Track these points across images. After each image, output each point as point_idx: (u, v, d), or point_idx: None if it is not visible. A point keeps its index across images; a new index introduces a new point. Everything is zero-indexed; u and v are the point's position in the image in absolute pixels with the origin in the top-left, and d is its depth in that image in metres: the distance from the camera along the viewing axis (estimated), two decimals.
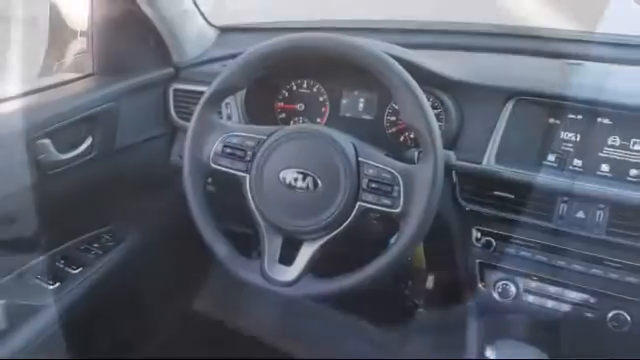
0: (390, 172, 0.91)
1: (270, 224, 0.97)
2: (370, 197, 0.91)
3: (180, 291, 1.71)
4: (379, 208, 0.91)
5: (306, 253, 0.95)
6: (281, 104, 1.31)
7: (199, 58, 1.39)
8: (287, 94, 1.30)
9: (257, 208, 0.98)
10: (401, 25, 1.41)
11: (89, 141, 1.22)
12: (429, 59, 1.14)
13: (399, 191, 0.90)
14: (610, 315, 1.03)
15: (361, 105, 1.24)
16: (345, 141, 0.95)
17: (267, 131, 0.99)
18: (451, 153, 1.00)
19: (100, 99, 1.23)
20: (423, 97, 0.91)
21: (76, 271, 1.29)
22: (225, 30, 1.50)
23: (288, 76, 1.29)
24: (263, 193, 0.97)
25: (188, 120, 1.07)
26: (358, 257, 0.94)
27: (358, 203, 0.92)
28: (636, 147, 1.01)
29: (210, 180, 1.10)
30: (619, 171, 1.02)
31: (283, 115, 1.31)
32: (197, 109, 1.01)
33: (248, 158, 0.98)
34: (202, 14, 1.43)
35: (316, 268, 0.95)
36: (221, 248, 1.00)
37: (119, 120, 1.27)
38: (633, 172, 1.01)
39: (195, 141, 1.01)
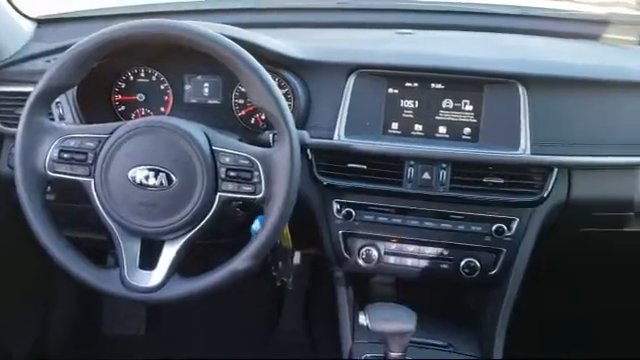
0: (247, 158, 0.89)
1: (124, 229, 0.91)
2: (230, 186, 0.89)
3: (28, 319, 1.56)
4: (241, 196, 0.90)
5: (169, 254, 0.91)
6: (119, 96, 1.22)
7: (17, 55, 1.25)
8: (124, 85, 1.22)
9: (107, 213, 0.91)
10: (236, 4, 1.39)
11: None
12: (269, 38, 1.13)
13: (259, 176, 0.89)
14: (462, 264, 1.12)
15: (206, 90, 1.20)
16: (196, 130, 0.91)
17: (108, 129, 0.92)
18: (304, 132, 1.02)
19: None
20: (269, 78, 0.90)
21: None
22: (43, 22, 1.36)
23: (123, 66, 1.20)
24: (112, 196, 0.90)
25: (15, 126, 0.95)
26: (226, 248, 0.92)
27: (218, 194, 0.89)
28: (467, 107, 1.10)
29: (48, 189, 1.00)
30: (455, 131, 1.10)
31: (122, 108, 1.22)
32: (24, 113, 0.91)
33: (90, 161, 0.91)
34: (13, 5, 1.27)
35: (182, 267, 0.91)
36: (72, 262, 0.92)
37: None
38: (467, 130, 1.10)
39: (26, 149, 0.91)
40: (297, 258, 1.33)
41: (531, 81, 1.08)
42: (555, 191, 1.10)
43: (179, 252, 0.91)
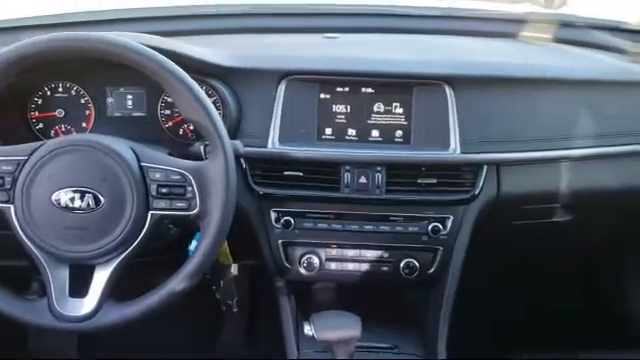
0: (179, 173, 0.86)
1: (51, 256, 0.85)
2: (162, 203, 0.86)
3: None
4: (174, 213, 0.86)
5: (101, 279, 0.86)
6: (35, 113, 1.15)
7: None
8: (41, 101, 1.14)
9: (31, 240, 0.85)
10: (159, 12, 1.34)
11: None
12: (193, 46, 1.10)
13: (193, 191, 0.86)
14: (402, 264, 1.13)
15: (130, 102, 1.15)
16: (122, 147, 0.87)
17: (26, 150, 0.86)
18: (238, 142, 0.99)
19: None
20: (198, 89, 0.88)
21: None
22: None
23: (39, 81, 1.13)
24: (35, 223, 0.84)
25: None
26: (164, 265, 0.88)
27: (150, 212, 0.86)
28: (398, 110, 1.11)
29: None
30: (387, 134, 1.11)
31: (40, 125, 1.15)
32: None
33: (8, 185, 0.85)
34: None
35: (118, 290, 0.87)
36: None
37: None
38: (399, 133, 1.11)
39: None
40: (234, 269, 1.30)
41: (457, 82, 1.11)
42: (486, 188, 1.13)
43: (112, 276, 0.86)
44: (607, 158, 1.20)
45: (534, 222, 1.27)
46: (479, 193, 1.12)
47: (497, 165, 1.14)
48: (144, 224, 0.86)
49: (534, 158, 1.15)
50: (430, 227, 1.13)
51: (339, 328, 0.96)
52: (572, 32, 1.48)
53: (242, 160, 1.09)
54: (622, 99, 1.22)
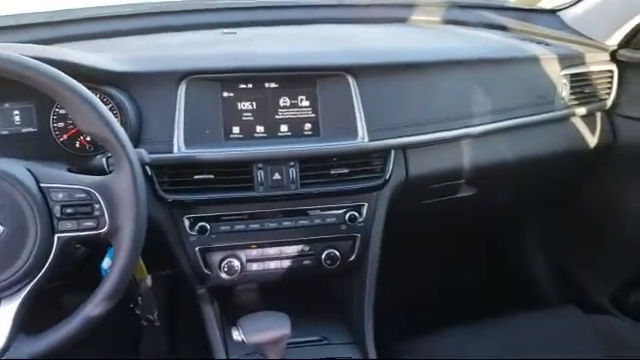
0: (84, 190, 0.80)
1: None
2: (69, 225, 0.80)
3: None
4: (83, 234, 0.80)
5: (8, 313, 0.79)
6: None
7: None
8: None
9: None
10: (39, 18, 1.23)
11: None
12: (82, 53, 1.03)
13: (101, 209, 0.80)
14: (324, 256, 1.14)
15: (17, 118, 1.05)
16: (17, 168, 0.80)
17: None
18: (142, 151, 0.94)
19: None
20: (93, 98, 0.82)
21: None
22: None
23: None
24: None
25: None
26: (75, 290, 0.82)
27: (56, 236, 0.79)
28: (304, 103, 1.11)
29: None
30: (296, 128, 1.10)
31: None
32: None
33: None
34: None
35: (27, 324, 0.80)
36: None
37: None
38: (307, 126, 1.11)
39: None
40: (149, 281, 1.24)
41: (358, 71, 1.12)
42: (395, 172, 1.16)
43: (20, 309, 0.79)
44: (503, 132, 1.28)
45: (442, 200, 1.32)
46: (389, 178, 1.15)
47: (404, 149, 1.18)
48: (50, 249, 0.79)
49: (437, 139, 1.20)
50: (347, 216, 1.14)
51: (268, 329, 0.95)
52: (461, 13, 1.55)
53: (148, 168, 1.04)
54: (511, 75, 1.29)
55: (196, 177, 1.06)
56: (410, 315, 1.23)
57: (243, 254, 1.12)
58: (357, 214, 1.15)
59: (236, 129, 1.09)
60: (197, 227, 1.08)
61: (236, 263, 1.10)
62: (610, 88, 1.41)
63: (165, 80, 1.06)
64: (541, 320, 1.25)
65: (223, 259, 1.10)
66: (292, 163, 1.09)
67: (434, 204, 1.32)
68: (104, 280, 0.82)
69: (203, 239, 1.09)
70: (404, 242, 1.39)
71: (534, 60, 1.31)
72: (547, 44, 1.39)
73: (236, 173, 1.07)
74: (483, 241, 1.86)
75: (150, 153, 0.99)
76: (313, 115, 1.11)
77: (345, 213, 1.14)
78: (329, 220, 1.14)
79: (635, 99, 1.39)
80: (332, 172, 1.11)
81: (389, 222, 1.19)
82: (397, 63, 1.18)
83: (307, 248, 1.14)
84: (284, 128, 1.10)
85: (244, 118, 1.09)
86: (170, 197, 1.06)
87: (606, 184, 1.51)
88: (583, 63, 1.36)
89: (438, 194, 1.30)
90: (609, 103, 1.42)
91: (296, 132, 1.10)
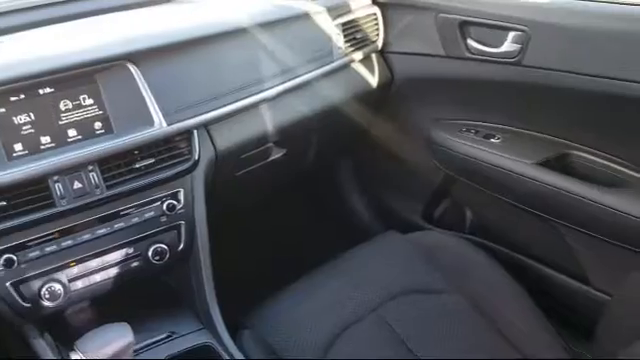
0: None
1: None
2: None
3: None
4: None
5: None
6: None
7: None
8: None
9: None
10: None
11: None
12: None
13: None
14: (150, 253, 1.11)
15: None
16: None
17: None
18: None
19: None
20: None
21: None
22: None
23: None
24: None
25: None
26: None
27: None
28: (88, 102, 1.04)
29: None
30: (86, 130, 1.03)
31: None
32: None
33: None
34: None
35: None
36: None
37: None
38: (98, 125, 1.04)
39: None
40: None
41: (138, 57, 1.08)
42: (203, 151, 1.16)
43: None
44: (295, 90, 1.33)
45: (256, 167, 1.35)
46: (199, 158, 1.14)
47: (206, 126, 1.17)
48: None
49: (236, 109, 1.21)
50: (165, 206, 1.11)
51: (109, 343, 0.91)
52: None
53: None
54: (289, 34, 1.34)
55: None
56: (253, 285, 1.25)
57: (63, 275, 1.04)
58: (175, 202, 1.12)
59: (18, 146, 0.98)
60: (1, 261, 0.97)
61: (57, 287, 1.02)
62: (378, 30, 1.54)
63: None
64: (369, 250, 1.35)
65: (42, 286, 1.01)
66: (90, 167, 1.02)
67: (249, 173, 1.34)
68: None
69: (12, 272, 0.99)
70: (229, 217, 1.41)
71: (306, 16, 1.38)
72: None
73: (31, 193, 0.98)
74: (305, 195, 1.95)
75: None
76: (101, 112, 1.04)
77: (162, 204, 1.11)
78: (147, 215, 1.10)
79: (400, 36, 1.53)
80: (137, 166, 1.07)
81: (210, 202, 1.18)
82: (177, 42, 1.15)
83: (131, 250, 1.10)
84: (72, 133, 1.02)
85: (25, 132, 0.99)
86: None
87: (394, 115, 1.67)
88: (350, 11, 1.46)
89: (251, 162, 1.33)
90: (380, 44, 1.55)
91: (87, 134, 1.03)
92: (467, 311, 1.17)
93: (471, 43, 1.36)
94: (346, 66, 1.47)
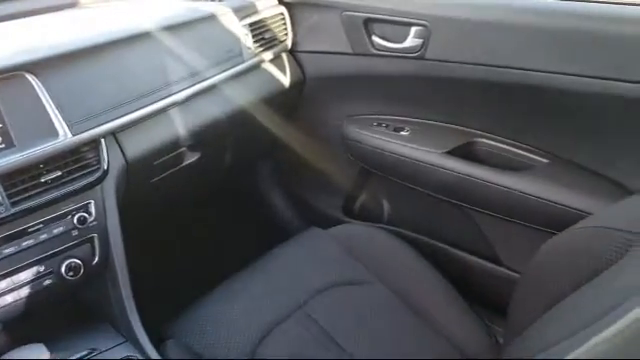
0: None
1: None
2: None
3: None
4: None
5: None
6: None
7: None
8: None
9: None
10: None
11: None
12: None
13: None
14: (63, 270, 1.06)
15: None
16: None
17: None
18: None
19: None
20: None
21: None
22: None
23: None
24: None
25: None
26: None
27: None
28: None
29: None
30: None
31: None
32: None
33: None
34: None
35: None
36: None
37: None
38: None
39: None
40: None
41: (36, 67, 1.03)
42: (112, 160, 1.12)
43: None
44: (205, 93, 1.32)
45: (171, 172, 1.33)
46: (108, 167, 1.11)
47: (114, 134, 1.14)
48: None
49: (145, 114, 1.18)
50: (76, 220, 1.07)
51: None
52: None
53: None
54: (196, 36, 1.33)
55: None
56: (175, 294, 1.23)
57: None
58: (86, 214, 1.08)
59: None
60: None
61: None
62: (286, 29, 1.55)
63: None
64: (291, 248, 1.36)
65: None
66: None
67: (165, 179, 1.32)
68: None
69: None
70: (146, 226, 1.37)
71: (213, 18, 1.37)
72: (220, 0, 1.46)
73: None
74: (224, 199, 1.93)
75: None
76: (0, 126, 0.99)
77: (73, 217, 1.07)
78: (57, 231, 1.05)
79: (308, 35, 1.56)
80: (43, 180, 1.02)
81: (124, 212, 1.15)
82: (79, 49, 1.11)
83: (42, 268, 1.04)
84: None
85: None
86: None
87: (309, 114, 1.69)
88: (256, 11, 1.47)
89: (165, 168, 1.30)
90: (289, 43, 1.57)
91: None
92: (391, 300, 1.21)
93: (376, 40, 1.41)
94: (257, 67, 1.48)
